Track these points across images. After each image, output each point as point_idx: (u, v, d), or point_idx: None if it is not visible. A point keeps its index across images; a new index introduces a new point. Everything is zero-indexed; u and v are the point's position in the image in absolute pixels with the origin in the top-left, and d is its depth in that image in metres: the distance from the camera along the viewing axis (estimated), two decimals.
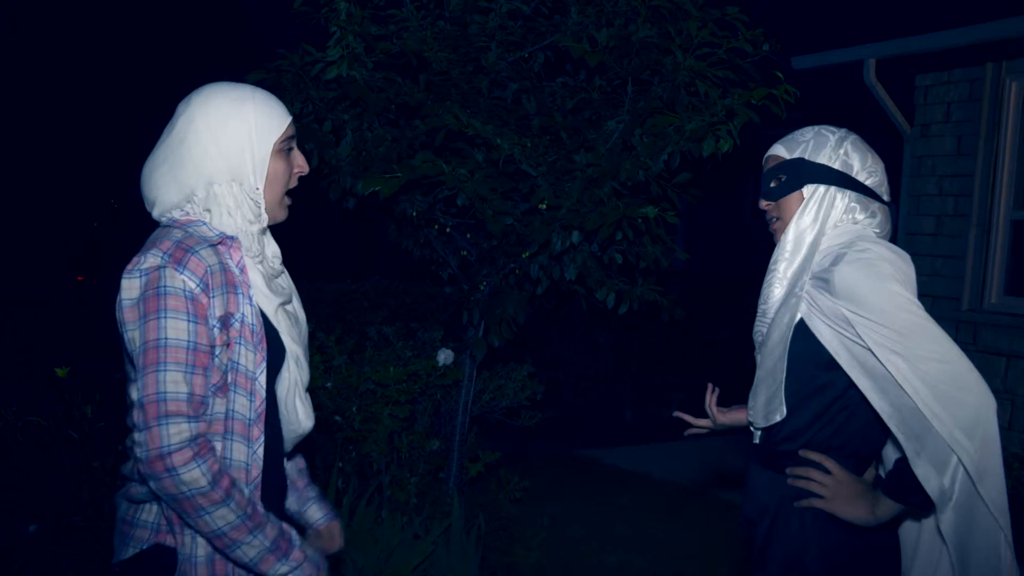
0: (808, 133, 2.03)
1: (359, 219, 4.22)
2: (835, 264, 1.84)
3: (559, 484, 5.81)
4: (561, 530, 4.93)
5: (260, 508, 1.69)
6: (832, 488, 1.88)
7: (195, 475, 1.57)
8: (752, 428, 2.08)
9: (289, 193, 1.92)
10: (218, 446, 1.69)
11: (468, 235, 4.05)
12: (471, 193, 3.38)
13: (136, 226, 1.83)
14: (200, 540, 1.71)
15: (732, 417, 2.31)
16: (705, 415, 2.36)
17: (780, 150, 2.05)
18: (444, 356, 4.19)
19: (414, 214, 3.81)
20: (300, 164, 1.91)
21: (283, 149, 1.85)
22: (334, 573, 3.71)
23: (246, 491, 1.68)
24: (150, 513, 1.74)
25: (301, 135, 3.61)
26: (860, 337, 1.79)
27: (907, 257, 1.87)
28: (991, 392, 1.74)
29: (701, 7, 3.56)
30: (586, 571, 4.45)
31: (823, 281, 1.86)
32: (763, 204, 2.07)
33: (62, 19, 14.94)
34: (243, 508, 1.64)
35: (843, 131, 2.02)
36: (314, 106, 3.71)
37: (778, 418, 1.95)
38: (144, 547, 1.73)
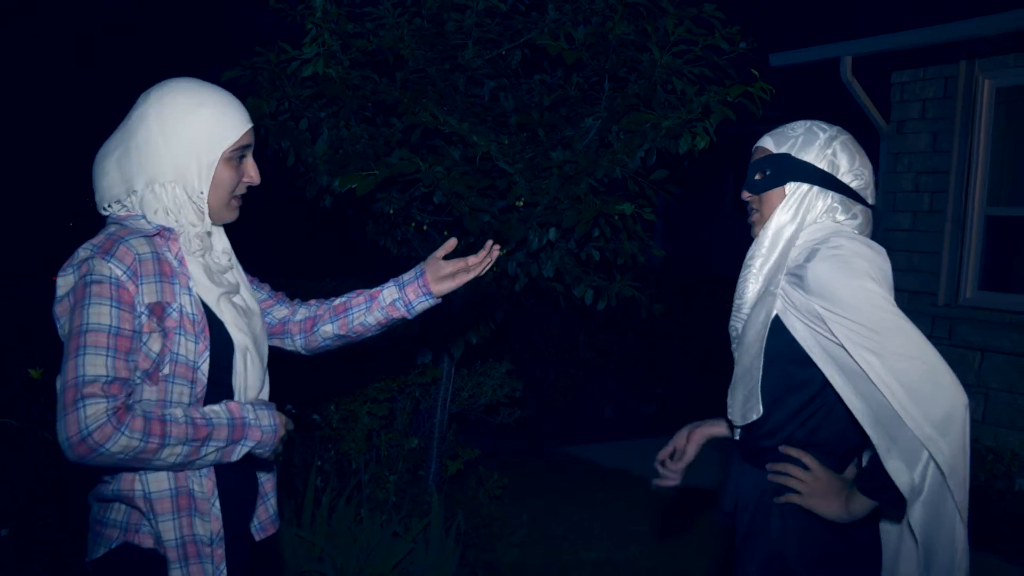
0: (799, 128, 1.99)
1: (337, 218, 4.19)
2: (809, 260, 1.83)
3: (538, 481, 5.82)
4: (541, 527, 4.94)
5: (201, 417, 1.70)
6: (809, 484, 1.88)
7: (123, 442, 1.58)
8: (732, 425, 2.08)
9: (240, 196, 1.91)
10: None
11: (445, 233, 4.04)
12: (448, 191, 3.37)
13: None
14: (169, 525, 1.73)
15: (704, 436, 2.27)
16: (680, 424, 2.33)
17: (769, 142, 2.02)
18: (422, 353, 4.18)
19: (391, 212, 3.80)
20: (251, 175, 1.90)
21: (233, 158, 1.84)
22: (313, 573, 3.69)
23: (180, 413, 1.67)
24: (119, 512, 1.76)
25: (277, 133, 3.58)
26: (833, 334, 1.79)
27: (883, 252, 1.86)
28: (963, 389, 1.75)
29: (678, 4, 3.57)
30: (566, 567, 4.46)
31: (797, 277, 1.85)
32: (745, 195, 2.04)
33: (35, 17, 14.78)
34: (185, 434, 1.66)
35: (835, 130, 1.99)
36: (290, 104, 3.69)
37: (755, 416, 1.94)
38: (113, 546, 1.76)
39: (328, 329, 2.12)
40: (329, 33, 3.50)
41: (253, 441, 1.76)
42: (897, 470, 1.74)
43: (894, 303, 1.78)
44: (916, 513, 1.77)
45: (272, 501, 2.05)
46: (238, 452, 1.75)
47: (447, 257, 2.16)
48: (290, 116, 3.72)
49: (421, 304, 2.11)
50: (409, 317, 2.13)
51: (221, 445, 1.72)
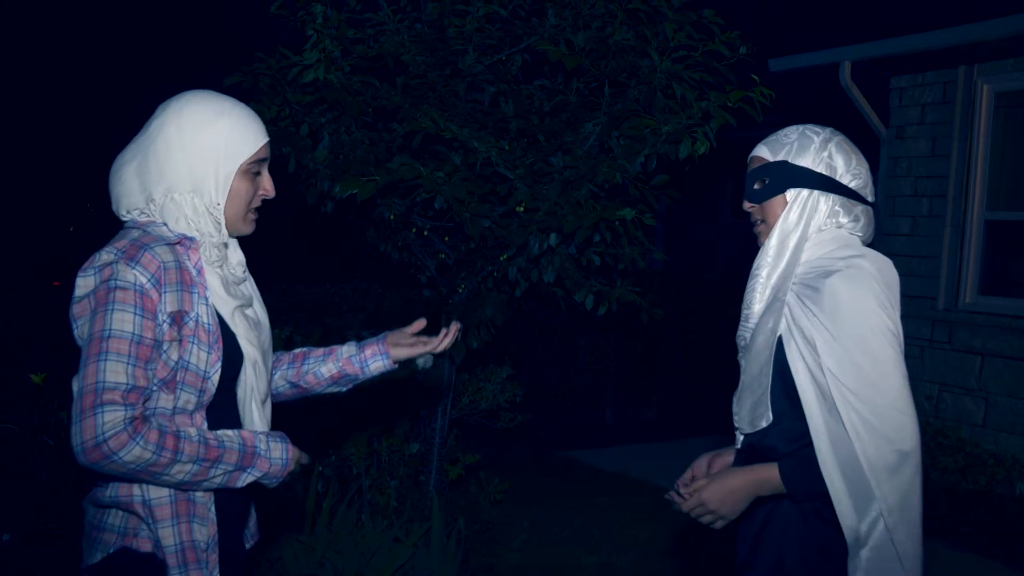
0: (792, 134, 1.99)
1: (338, 223, 4.20)
2: (828, 276, 1.83)
3: (539, 486, 5.82)
4: (542, 531, 4.94)
5: (214, 439, 1.71)
6: (706, 507, 1.92)
7: (137, 452, 1.59)
8: (737, 433, 2.07)
9: (256, 209, 1.92)
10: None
11: (446, 238, 4.05)
12: (448, 196, 3.38)
13: (113, 231, 1.83)
14: (168, 531, 1.73)
15: (727, 463, 2.25)
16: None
17: (764, 151, 2.01)
18: (423, 359, 4.18)
19: (391, 217, 3.80)
20: (266, 188, 1.91)
21: (250, 171, 1.85)
22: None
23: (194, 432, 1.69)
24: (116, 517, 1.76)
25: (278, 139, 3.59)
26: (820, 360, 1.81)
27: (891, 265, 1.89)
28: (920, 441, 1.80)
29: (678, 10, 3.58)
30: (566, 572, 4.46)
31: (813, 290, 1.85)
32: (747, 206, 2.04)
33: (35, 21, 14.80)
34: (196, 453, 1.67)
35: (828, 132, 1.98)
36: (291, 109, 3.70)
37: (764, 424, 1.93)
38: (111, 551, 1.75)
39: (283, 374, 2.16)
40: (330, 39, 3.51)
41: (260, 472, 1.77)
42: (846, 515, 1.79)
43: (896, 326, 1.82)
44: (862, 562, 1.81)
45: (253, 512, 2.07)
46: (243, 479, 1.76)
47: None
48: (291, 122, 3.73)
49: (376, 363, 2.17)
50: (362, 376, 2.18)
51: (229, 469, 1.72)
